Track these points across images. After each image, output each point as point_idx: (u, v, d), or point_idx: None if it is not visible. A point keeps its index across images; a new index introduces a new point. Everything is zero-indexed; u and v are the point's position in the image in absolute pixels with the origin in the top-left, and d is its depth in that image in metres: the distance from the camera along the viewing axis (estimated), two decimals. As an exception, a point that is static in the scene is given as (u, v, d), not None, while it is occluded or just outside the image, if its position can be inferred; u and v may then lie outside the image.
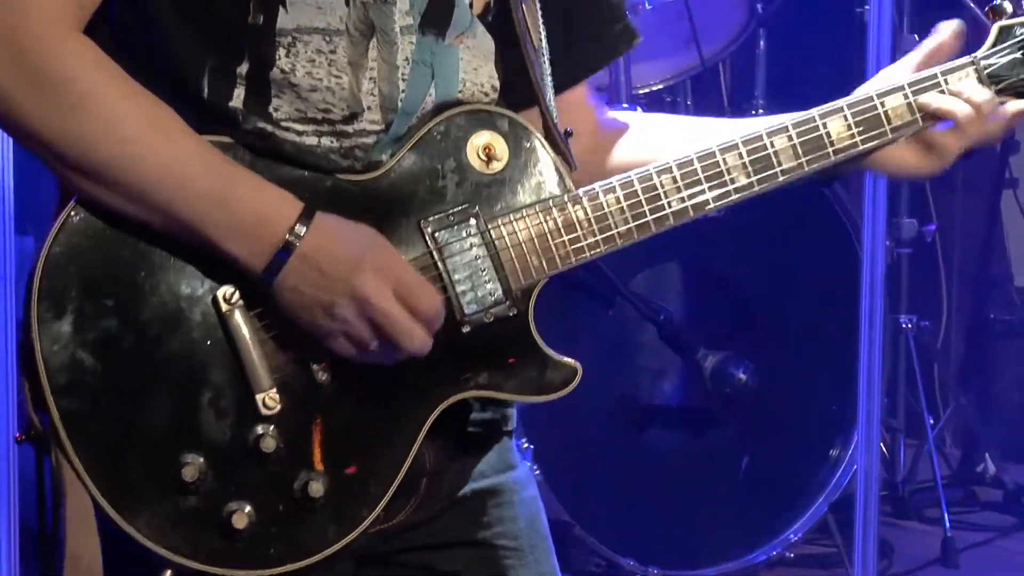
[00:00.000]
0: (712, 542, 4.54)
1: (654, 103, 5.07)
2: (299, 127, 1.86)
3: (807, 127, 2.00)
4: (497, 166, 1.91)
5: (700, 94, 5.35)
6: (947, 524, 4.92)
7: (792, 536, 4.54)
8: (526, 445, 4.19)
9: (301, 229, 1.79)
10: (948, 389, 5.59)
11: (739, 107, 5.37)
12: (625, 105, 4.55)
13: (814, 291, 4.58)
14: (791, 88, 5.21)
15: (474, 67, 1.95)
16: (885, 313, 4.23)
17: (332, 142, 1.87)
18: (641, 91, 4.97)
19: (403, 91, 1.90)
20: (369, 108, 1.88)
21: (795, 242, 4.58)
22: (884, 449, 5.10)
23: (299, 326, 1.82)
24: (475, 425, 1.99)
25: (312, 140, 1.86)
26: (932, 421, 5.34)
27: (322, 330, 1.81)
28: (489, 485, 2.05)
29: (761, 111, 5.09)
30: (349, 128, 1.88)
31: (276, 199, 1.81)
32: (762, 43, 5.24)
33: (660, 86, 5.11)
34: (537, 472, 4.18)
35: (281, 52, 1.84)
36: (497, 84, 1.98)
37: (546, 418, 4.19)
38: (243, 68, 1.84)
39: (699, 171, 1.96)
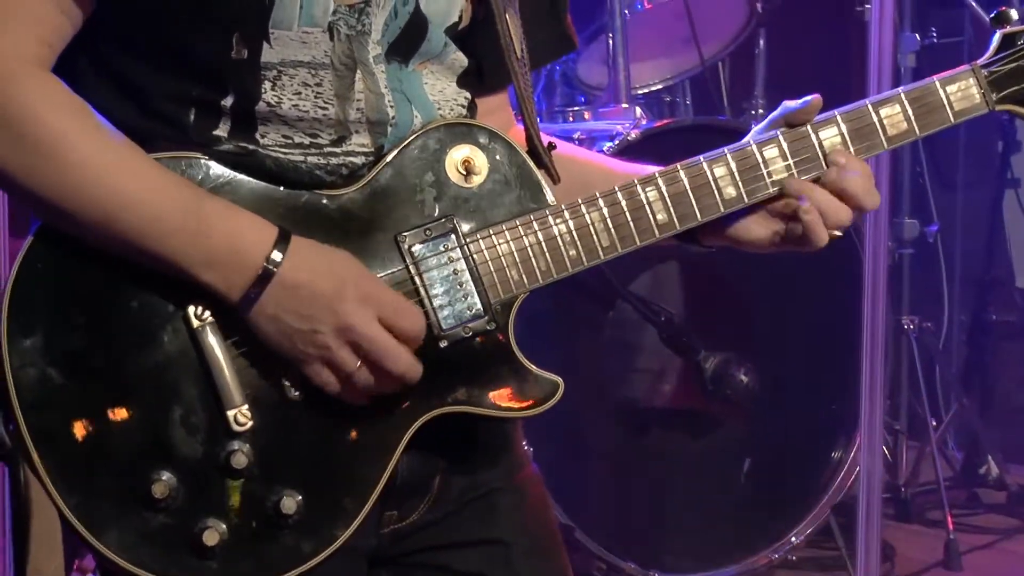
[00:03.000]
0: (713, 545, 4.51)
1: (653, 103, 5.06)
2: (285, 150, 1.84)
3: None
4: (476, 180, 1.89)
5: (699, 94, 5.33)
6: (949, 527, 4.89)
7: (794, 539, 4.51)
8: (526, 448, 4.16)
9: (278, 256, 1.77)
10: (950, 391, 5.57)
11: (738, 107, 5.34)
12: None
13: (815, 292, 4.54)
14: (791, 88, 5.16)
15: (440, 88, 1.93)
16: (887, 314, 4.20)
17: (319, 160, 1.85)
18: (640, 91, 4.95)
19: (392, 117, 1.88)
20: (357, 132, 1.87)
21: (796, 242, 4.53)
22: (886, 451, 5.07)
23: (276, 352, 1.80)
24: (486, 424, 1.98)
25: (298, 158, 1.84)
26: (934, 423, 5.32)
27: (301, 356, 1.80)
28: (501, 484, 2.05)
29: (761, 111, 5.08)
30: (338, 149, 1.86)
31: (250, 227, 1.79)
32: (762, 42, 5.23)
33: (659, 86, 5.11)
34: (537, 474, 4.15)
35: (267, 85, 1.82)
36: (468, 97, 1.97)
37: (546, 420, 4.14)
38: (228, 101, 1.82)
39: (686, 183, 1.94)
